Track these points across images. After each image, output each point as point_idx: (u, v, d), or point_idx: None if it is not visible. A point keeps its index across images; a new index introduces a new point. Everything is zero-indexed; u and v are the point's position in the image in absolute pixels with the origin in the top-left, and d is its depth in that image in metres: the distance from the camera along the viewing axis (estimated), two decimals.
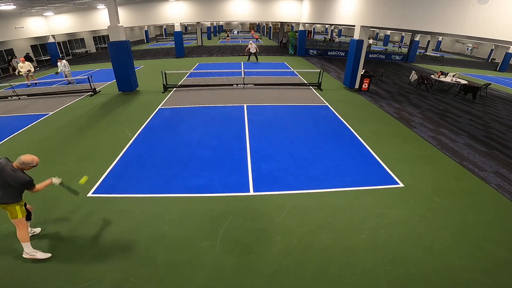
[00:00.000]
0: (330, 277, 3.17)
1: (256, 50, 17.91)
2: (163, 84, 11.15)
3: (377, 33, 43.84)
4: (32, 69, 12.35)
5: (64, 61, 12.46)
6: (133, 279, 3.13)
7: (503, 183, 5.09)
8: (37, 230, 3.88)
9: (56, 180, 3.43)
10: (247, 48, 17.92)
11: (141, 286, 3.06)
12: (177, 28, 19.80)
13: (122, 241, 3.66)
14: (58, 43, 20.78)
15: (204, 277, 3.17)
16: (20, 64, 12.16)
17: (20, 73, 12.19)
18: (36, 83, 12.60)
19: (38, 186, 3.30)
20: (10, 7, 11.04)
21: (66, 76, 12.73)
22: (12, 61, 17.50)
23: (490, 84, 12.33)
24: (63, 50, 21.93)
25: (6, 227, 3.88)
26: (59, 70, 12.48)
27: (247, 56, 18.61)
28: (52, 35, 18.23)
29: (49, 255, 3.48)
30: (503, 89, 14.21)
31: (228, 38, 33.61)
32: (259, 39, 35.68)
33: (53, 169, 5.38)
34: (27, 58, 18.07)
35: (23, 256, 3.40)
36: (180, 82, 12.35)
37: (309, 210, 4.26)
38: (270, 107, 9.05)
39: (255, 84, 11.83)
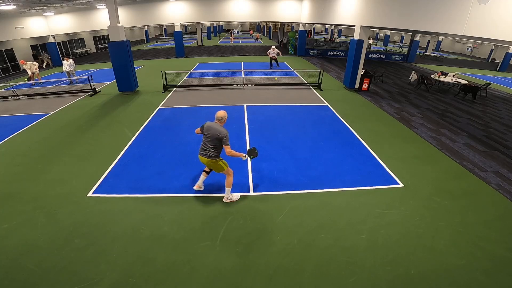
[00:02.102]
0: (330, 277, 3.17)
1: (276, 55, 15.48)
2: (163, 84, 11.15)
3: (377, 33, 43.86)
4: (29, 70, 12.36)
5: (70, 60, 12.45)
6: (133, 279, 3.13)
7: (503, 183, 5.09)
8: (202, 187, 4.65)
9: (246, 157, 4.19)
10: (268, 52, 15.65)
11: (141, 286, 3.05)
12: (177, 28, 19.82)
13: (122, 241, 3.65)
14: (58, 43, 20.78)
15: (204, 277, 3.16)
16: (22, 65, 12.33)
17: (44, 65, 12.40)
18: (40, 82, 12.62)
19: (232, 150, 3.94)
20: (10, 7, 11.02)
21: (69, 76, 12.70)
22: (43, 56, 17.79)
23: (490, 84, 12.34)
24: (63, 50, 21.94)
25: (6, 227, 3.89)
26: (64, 69, 12.45)
27: (271, 62, 15.80)
28: (52, 35, 18.22)
29: (239, 195, 4.50)
30: (503, 89, 14.21)
31: (232, 37, 33.91)
32: (259, 39, 35.73)
33: (53, 169, 5.39)
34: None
35: (223, 200, 4.39)
36: (180, 82, 12.35)
37: (309, 210, 4.26)
38: (270, 107, 9.05)
39: (255, 84, 11.83)
